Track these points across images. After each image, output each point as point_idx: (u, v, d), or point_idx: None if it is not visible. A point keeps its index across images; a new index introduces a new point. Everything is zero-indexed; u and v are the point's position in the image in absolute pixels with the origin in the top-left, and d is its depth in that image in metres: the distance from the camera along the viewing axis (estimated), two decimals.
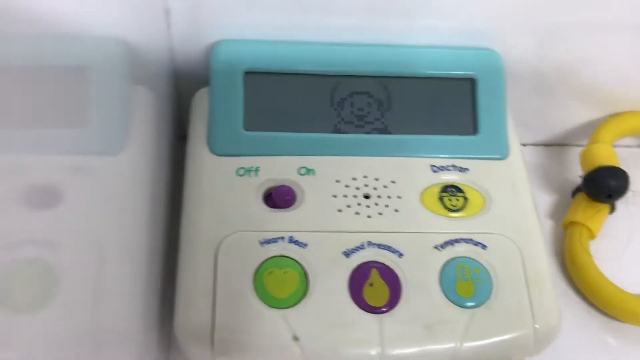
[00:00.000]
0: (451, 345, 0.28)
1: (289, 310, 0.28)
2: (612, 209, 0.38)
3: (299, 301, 0.28)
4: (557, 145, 0.43)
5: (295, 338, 0.27)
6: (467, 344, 0.28)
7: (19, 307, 0.25)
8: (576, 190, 0.39)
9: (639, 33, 0.36)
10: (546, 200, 0.40)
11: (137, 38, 0.31)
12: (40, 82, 0.29)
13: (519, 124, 0.38)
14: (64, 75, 0.30)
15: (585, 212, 0.37)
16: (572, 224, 0.37)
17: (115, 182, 0.29)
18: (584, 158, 0.38)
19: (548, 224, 0.39)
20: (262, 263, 0.28)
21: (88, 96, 0.29)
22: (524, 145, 0.42)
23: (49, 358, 0.25)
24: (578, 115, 0.41)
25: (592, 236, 0.37)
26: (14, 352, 0.25)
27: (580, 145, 0.41)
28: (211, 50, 0.33)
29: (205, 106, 0.32)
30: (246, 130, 0.32)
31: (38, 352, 0.25)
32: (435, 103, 0.34)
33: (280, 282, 0.28)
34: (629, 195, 0.37)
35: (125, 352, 0.27)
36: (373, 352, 0.27)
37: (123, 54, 0.30)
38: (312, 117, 0.32)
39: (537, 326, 0.29)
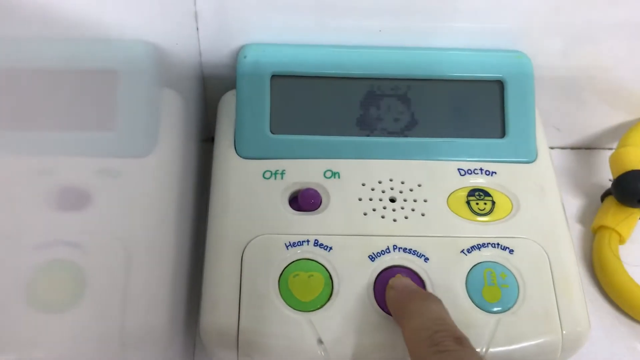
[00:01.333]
0: (477, 350, 0.27)
1: (313, 313, 0.28)
2: None
3: (323, 304, 0.28)
4: (586, 148, 0.42)
5: (320, 341, 0.27)
6: (493, 349, 0.28)
7: (47, 307, 0.26)
8: (605, 194, 0.38)
9: None
10: (575, 204, 0.40)
11: (166, 41, 0.31)
12: (71, 85, 0.30)
13: (548, 127, 0.38)
14: (94, 78, 0.30)
15: (615, 216, 0.37)
16: (602, 228, 0.37)
17: (143, 184, 0.29)
18: (614, 162, 0.38)
19: (577, 228, 0.39)
20: (288, 266, 0.29)
21: (117, 99, 0.30)
22: (552, 148, 0.42)
23: (76, 358, 0.26)
24: (607, 118, 0.40)
25: (621, 241, 0.36)
26: (42, 351, 0.25)
27: (610, 149, 0.40)
28: (238, 54, 0.33)
29: (232, 109, 0.33)
30: (272, 133, 0.32)
31: (66, 352, 0.25)
32: (463, 106, 0.33)
33: (305, 286, 0.28)
34: None
35: (151, 353, 0.27)
36: (397, 356, 0.27)
37: (152, 57, 0.31)
38: (338, 120, 0.32)
39: (564, 332, 0.28)
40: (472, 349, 0.23)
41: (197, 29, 0.33)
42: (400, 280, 0.28)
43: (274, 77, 0.32)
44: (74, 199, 0.28)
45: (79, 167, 0.29)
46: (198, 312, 0.29)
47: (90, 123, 0.30)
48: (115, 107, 0.30)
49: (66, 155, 0.29)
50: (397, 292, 0.27)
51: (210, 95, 0.36)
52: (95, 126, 0.30)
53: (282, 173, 0.31)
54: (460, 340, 0.24)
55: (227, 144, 0.32)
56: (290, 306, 0.28)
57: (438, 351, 0.23)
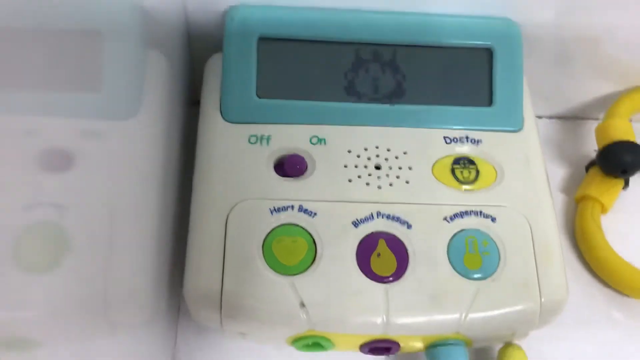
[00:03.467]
0: (456, 315, 0.28)
1: (296, 277, 0.28)
2: (626, 184, 0.38)
3: (306, 269, 0.28)
4: (573, 118, 0.42)
5: (302, 304, 0.27)
6: (472, 315, 0.28)
7: (31, 268, 0.26)
8: (590, 165, 0.38)
9: None
10: (559, 174, 0.40)
11: (151, 2, 0.31)
12: (54, 45, 0.29)
13: (535, 95, 0.38)
14: (78, 38, 0.29)
15: (599, 186, 0.37)
16: (585, 198, 0.37)
17: (128, 146, 0.29)
18: (600, 132, 0.38)
19: (560, 197, 0.39)
20: (272, 231, 0.29)
21: (101, 60, 0.29)
22: (539, 117, 0.42)
23: (60, 318, 0.26)
24: (596, 88, 0.40)
25: (604, 210, 0.37)
26: (27, 311, 0.25)
27: (597, 120, 0.40)
28: (225, 15, 0.32)
29: (219, 72, 0.32)
30: (259, 97, 0.32)
31: (50, 313, 0.26)
32: (451, 73, 0.33)
33: (289, 250, 0.28)
34: None
35: (135, 314, 0.27)
36: (378, 320, 0.28)
37: (137, 17, 0.30)
38: (326, 85, 0.32)
39: (543, 300, 0.29)
40: None
41: None
42: None
43: (261, 39, 0.32)
44: (58, 160, 0.28)
45: (62, 129, 0.29)
46: (182, 275, 0.29)
47: (74, 84, 0.29)
48: (100, 68, 0.29)
49: (49, 116, 0.29)
50: None
51: (197, 57, 0.36)
52: (79, 87, 0.29)
53: (268, 138, 0.31)
54: None
55: (212, 107, 0.32)
56: (273, 270, 0.28)
57: None
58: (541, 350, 0.33)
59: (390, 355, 0.32)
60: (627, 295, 0.35)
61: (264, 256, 0.28)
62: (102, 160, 0.28)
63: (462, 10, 0.34)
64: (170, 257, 0.31)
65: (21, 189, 0.27)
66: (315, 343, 0.29)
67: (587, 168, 0.39)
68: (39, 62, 0.29)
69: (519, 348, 0.31)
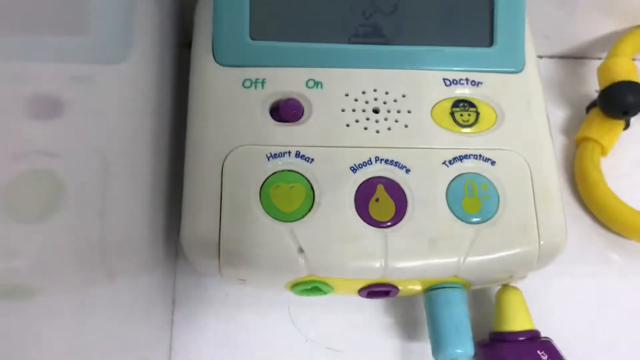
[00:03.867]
0: (455, 259, 0.28)
1: (294, 223, 0.28)
2: (627, 125, 0.37)
3: (304, 215, 0.28)
4: (575, 58, 0.41)
5: (301, 250, 0.27)
6: (471, 259, 0.28)
7: (25, 218, 0.26)
8: (591, 106, 0.38)
9: None
10: (560, 115, 0.39)
11: None
12: None
13: (537, 35, 0.37)
14: None
15: (599, 128, 0.36)
16: (585, 139, 0.37)
17: (119, 91, 0.28)
18: (602, 72, 0.37)
19: (560, 139, 0.39)
20: (269, 177, 0.28)
21: (89, 2, 0.28)
22: (540, 57, 0.41)
23: (56, 267, 0.26)
24: (598, 26, 0.39)
25: (604, 152, 0.37)
26: (22, 261, 0.25)
27: (599, 59, 0.40)
28: None
29: (210, 13, 0.31)
30: (252, 39, 0.31)
31: (46, 261, 0.25)
32: (451, 13, 0.32)
33: (287, 196, 0.28)
34: None
35: (132, 261, 0.27)
36: (377, 264, 0.28)
37: None
38: (322, 26, 0.31)
39: (542, 242, 0.29)
40: None
41: None
42: None
43: None
44: (47, 107, 0.27)
45: (50, 74, 0.28)
46: (179, 221, 0.29)
47: (61, 27, 0.28)
48: (87, 10, 0.28)
49: (36, 61, 0.28)
50: None
51: None
52: (67, 31, 0.28)
53: (263, 82, 0.30)
54: None
55: (204, 50, 0.31)
56: (271, 216, 0.28)
57: None
58: (538, 291, 0.33)
59: (388, 298, 0.32)
60: (625, 237, 0.35)
61: (261, 203, 0.28)
62: (92, 106, 0.28)
63: None
64: (167, 203, 0.30)
65: (9, 138, 0.26)
66: (314, 287, 0.29)
67: (588, 109, 0.38)
68: (22, 5, 0.28)
69: (517, 289, 0.31)
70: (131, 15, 0.29)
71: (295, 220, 0.28)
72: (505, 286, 0.31)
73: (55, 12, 0.28)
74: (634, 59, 0.37)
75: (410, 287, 0.30)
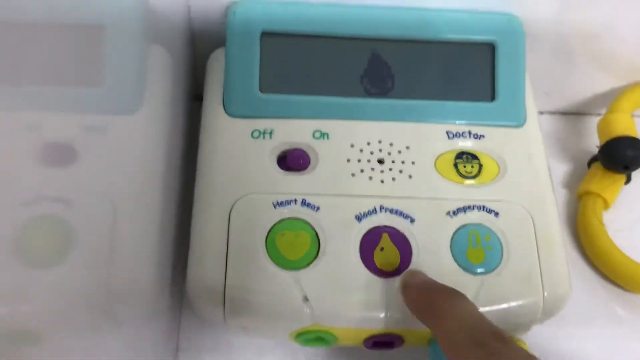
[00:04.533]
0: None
1: (300, 271, 0.28)
2: (628, 180, 0.38)
3: (310, 263, 0.28)
4: (575, 114, 0.42)
5: (306, 299, 0.27)
6: None
7: (35, 262, 0.26)
8: (592, 160, 0.39)
9: None
10: (562, 169, 0.40)
11: None
12: (58, 39, 0.29)
13: (537, 91, 0.38)
14: (81, 32, 0.29)
15: (601, 182, 0.37)
16: (587, 193, 0.37)
17: (131, 141, 0.29)
18: (602, 127, 0.38)
19: (563, 193, 0.39)
20: (275, 225, 0.29)
21: (105, 54, 0.29)
22: (541, 113, 0.42)
23: (63, 312, 0.26)
24: (597, 83, 0.40)
25: (606, 206, 0.37)
26: (31, 305, 0.25)
27: (599, 115, 0.41)
28: (228, 10, 0.32)
29: (222, 67, 0.32)
30: (262, 92, 0.32)
31: (54, 306, 0.26)
32: (454, 68, 0.33)
33: (292, 244, 0.28)
34: None
35: (137, 307, 0.27)
36: (382, 315, 0.28)
37: (140, 12, 0.30)
38: (328, 80, 0.32)
39: (546, 294, 0.29)
40: (516, 346, 0.23)
41: None
42: (416, 277, 0.27)
43: (263, 34, 0.32)
44: (61, 155, 0.28)
45: (66, 123, 0.29)
46: (186, 269, 0.29)
47: (78, 78, 0.29)
48: (103, 62, 0.29)
49: (53, 111, 0.29)
50: (417, 291, 0.27)
51: (200, 52, 0.36)
52: (83, 82, 0.29)
53: (271, 132, 0.31)
54: (501, 337, 0.23)
55: (215, 102, 0.32)
56: (277, 264, 0.28)
57: (488, 353, 0.22)
58: (544, 344, 0.33)
59: (394, 349, 0.32)
60: (630, 291, 0.35)
61: (267, 250, 0.28)
62: (105, 155, 0.28)
63: (465, 5, 0.34)
64: (174, 251, 0.31)
65: (25, 184, 0.27)
66: (318, 337, 0.29)
67: (589, 163, 0.39)
68: (42, 57, 0.29)
69: (522, 342, 0.31)
70: (145, 67, 0.30)
71: (300, 269, 0.28)
72: (511, 339, 0.31)
73: (72, 64, 0.30)
74: (632, 115, 0.38)
75: (415, 337, 0.30)
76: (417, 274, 0.27)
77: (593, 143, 0.39)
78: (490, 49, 0.33)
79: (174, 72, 0.32)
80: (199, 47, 0.36)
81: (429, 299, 0.26)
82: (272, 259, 0.28)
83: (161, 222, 0.29)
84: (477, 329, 0.23)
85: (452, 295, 0.26)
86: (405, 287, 0.27)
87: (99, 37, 0.29)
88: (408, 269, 0.28)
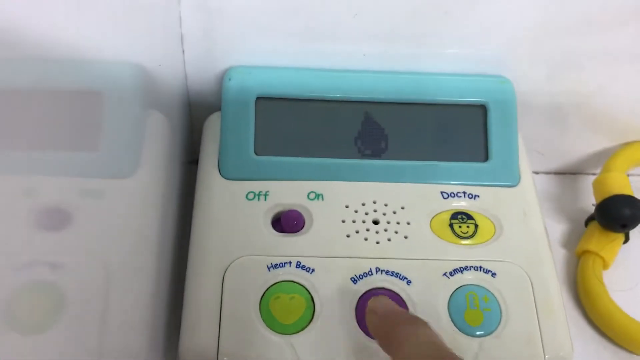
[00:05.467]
0: None
1: (294, 336, 0.27)
2: (627, 239, 0.37)
3: (305, 327, 0.28)
4: (570, 173, 0.42)
5: None
6: None
7: (26, 328, 0.26)
8: (589, 219, 0.38)
9: None
10: (559, 229, 0.40)
11: (151, 63, 0.31)
12: (55, 105, 0.30)
13: (532, 151, 0.38)
14: (78, 98, 0.30)
15: (599, 241, 0.37)
16: (586, 253, 0.37)
17: (126, 205, 0.29)
18: (597, 187, 0.38)
19: (561, 253, 0.39)
20: (269, 288, 0.28)
21: (101, 120, 0.30)
22: (536, 173, 0.42)
23: None
24: (591, 143, 0.41)
25: (605, 266, 0.37)
26: None
27: (594, 174, 0.41)
28: (223, 76, 0.33)
29: (217, 131, 0.33)
30: (257, 155, 0.32)
31: None
32: (447, 129, 0.34)
33: (287, 308, 0.28)
34: None
35: None
36: None
37: (137, 78, 0.31)
38: (322, 142, 0.33)
39: (547, 356, 0.28)
40: None
41: (183, 51, 0.33)
42: (380, 302, 0.27)
43: (258, 99, 0.33)
44: (55, 219, 0.28)
45: (60, 187, 0.29)
46: (179, 335, 0.28)
47: (74, 143, 0.30)
48: (100, 128, 0.30)
49: (49, 175, 0.29)
50: (379, 316, 0.26)
51: (197, 117, 0.36)
52: (79, 146, 0.30)
53: (266, 194, 0.31)
54: None
55: (211, 165, 0.32)
56: (271, 329, 0.28)
57: None
58: None
59: None
60: (634, 353, 0.34)
61: (261, 315, 0.28)
62: (99, 219, 0.28)
63: (457, 69, 0.35)
64: (167, 316, 0.30)
65: (17, 248, 0.27)
66: None
67: (587, 223, 0.39)
68: (38, 122, 0.29)
69: None
70: (141, 132, 0.31)
71: (295, 333, 0.27)
72: None
73: (69, 128, 0.30)
74: (627, 174, 0.38)
75: None
76: (383, 300, 0.27)
77: (589, 202, 0.39)
78: (482, 110, 0.34)
79: (170, 137, 0.33)
80: (196, 112, 0.37)
81: (390, 325, 0.25)
82: (266, 323, 0.28)
83: (154, 287, 0.28)
84: (436, 356, 0.23)
85: (413, 322, 0.25)
86: (369, 312, 0.27)
87: (96, 103, 0.30)
88: (376, 296, 0.28)
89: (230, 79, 0.33)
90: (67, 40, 0.29)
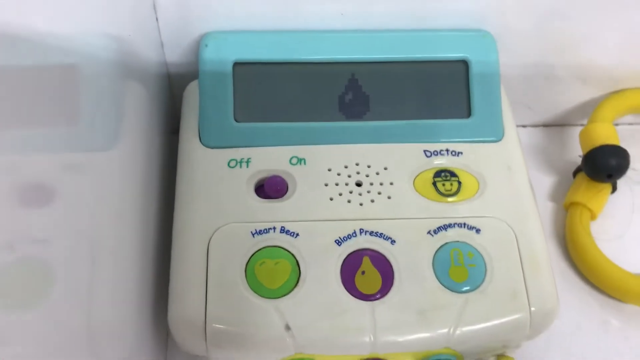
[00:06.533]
0: (445, 330, 0.28)
1: (280, 300, 0.28)
2: (614, 189, 0.37)
3: (290, 291, 0.28)
4: (557, 125, 0.42)
5: (288, 327, 0.27)
6: (461, 329, 0.28)
7: (13, 305, 0.26)
8: (577, 171, 0.38)
9: (638, 10, 0.35)
10: (547, 181, 0.40)
11: (125, 33, 0.31)
12: (30, 81, 0.29)
13: (518, 105, 0.38)
14: (53, 73, 0.30)
15: (586, 192, 0.37)
16: (573, 204, 0.37)
17: (108, 178, 0.29)
18: (584, 137, 0.37)
19: (549, 205, 0.39)
20: (254, 254, 0.29)
21: (79, 93, 0.29)
22: (523, 126, 0.42)
23: (44, 355, 0.26)
24: (578, 94, 0.40)
25: (593, 216, 0.37)
26: (9, 348, 0.25)
27: (582, 125, 0.40)
28: (200, 43, 0.33)
29: (196, 99, 0.32)
30: (237, 121, 0.32)
31: (35, 349, 0.25)
32: (428, 87, 0.33)
33: (272, 273, 0.28)
34: (630, 174, 0.37)
35: (120, 346, 0.27)
36: (366, 339, 0.27)
37: (112, 50, 0.30)
38: (302, 105, 0.32)
39: (533, 309, 0.28)
40: None
41: (157, 19, 0.33)
42: None
43: (236, 64, 0.32)
44: (38, 195, 0.28)
45: (41, 163, 0.29)
46: (167, 304, 0.29)
47: (52, 118, 0.29)
48: (77, 101, 0.29)
49: (28, 152, 0.29)
50: None
51: (177, 86, 0.36)
52: (57, 121, 0.29)
53: (248, 161, 0.31)
54: None
55: (191, 134, 0.32)
56: (257, 294, 0.28)
57: None
58: (536, 357, 0.32)
59: None
60: (621, 300, 0.35)
61: (247, 280, 0.28)
62: (82, 193, 0.28)
63: (438, 25, 0.34)
64: (155, 286, 0.30)
65: (2, 226, 0.27)
66: None
67: (574, 174, 0.38)
68: (15, 98, 0.29)
69: (510, 358, 0.30)
70: (121, 104, 0.30)
71: (281, 297, 0.28)
72: (500, 357, 0.30)
73: (47, 104, 0.30)
74: (614, 124, 0.38)
75: None
76: None
77: (577, 153, 0.39)
78: (463, 65, 0.33)
79: (150, 108, 0.32)
80: (176, 81, 0.36)
81: None
82: (252, 289, 0.28)
83: (141, 257, 0.29)
84: None
85: None
86: None
87: (72, 76, 0.29)
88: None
89: (206, 45, 0.32)
90: (39, 15, 0.29)
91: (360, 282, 0.28)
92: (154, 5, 0.32)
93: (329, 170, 0.31)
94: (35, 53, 0.30)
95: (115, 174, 0.29)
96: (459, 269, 0.29)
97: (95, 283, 0.27)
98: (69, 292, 0.26)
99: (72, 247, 0.27)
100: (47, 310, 0.26)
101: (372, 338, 0.27)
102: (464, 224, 0.30)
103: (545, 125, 0.42)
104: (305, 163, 0.31)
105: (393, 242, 0.29)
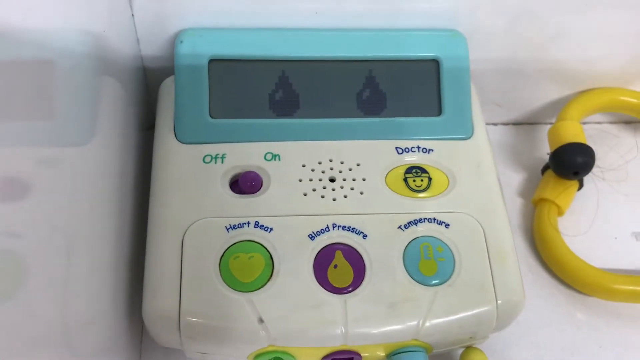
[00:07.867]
0: (414, 322, 0.28)
1: (254, 293, 0.28)
2: (581, 186, 0.38)
3: (264, 284, 0.28)
4: (527, 124, 0.43)
5: (261, 320, 0.28)
6: (430, 321, 0.28)
7: None
8: (545, 168, 0.39)
9: (606, 10, 0.36)
10: (517, 178, 0.41)
11: (100, 29, 0.31)
12: (5, 75, 0.29)
13: (488, 103, 0.39)
14: (30, 68, 0.30)
15: (554, 189, 0.38)
16: (541, 201, 0.38)
17: (83, 173, 0.29)
18: (552, 135, 0.39)
19: (518, 201, 0.40)
20: (228, 248, 0.29)
21: (54, 88, 0.30)
22: (494, 124, 0.43)
23: (20, 347, 0.26)
24: (547, 93, 0.41)
25: (560, 212, 0.38)
26: None
27: (551, 123, 0.41)
28: (175, 39, 0.33)
29: (172, 95, 0.33)
30: (212, 117, 0.32)
31: (9, 342, 0.25)
32: (400, 85, 0.34)
33: (246, 267, 0.29)
34: (595, 171, 0.38)
35: (95, 340, 0.27)
36: (337, 331, 0.28)
37: (88, 45, 0.31)
38: (277, 102, 0.33)
39: (499, 302, 0.29)
40: None
41: (133, 15, 0.33)
42: None
43: (211, 61, 0.32)
44: (11, 189, 0.28)
45: (15, 157, 0.29)
46: (142, 298, 0.29)
47: (27, 112, 0.29)
48: (52, 96, 0.29)
49: (2, 146, 0.29)
50: None
51: (152, 82, 0.36)
52: (32, 115, 0.29)
53: (223, 157, 0.31)
54: None
55: (166, 129, 0.32)
56: (231, 287, 0.28)
57: None
58: (504, 352, 0.33)
59: None
60: (587, 295, 0.36)
61: (220, 274, 0.28)
62: (56, 187, 0.29)
63: (411, 24, 0.35)
64: (130, 280, 0.31)
65: None
66: (276, 358, 0.29)
67: (543, 171, 0.39)
68: None
69: (480, 351, 0.31)
70: (96, 99, 0.31)
71: (254, 290, 0.28)
72: (468, 348, 0.31)
73: (21, 98, 0.30)
74: (581, 122, 0.39)
75: (372, 353, 0.30)
76: None
77: (546, 151, 0.40)
78: (434, 64, 0.34)
79: (125, 103, 0.33)
80: (152, 78, 0.36)
81: None
82: (225, 282, 0.28)
83: (116, 251, 0.29)
84: None
85: None
86: None
87: (47, 71, 0.30)
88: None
89: (181, 42, 0.33)
90: (14, 10, 0.29)
91: (332, 275, 0.29)
92: (130, 1, 0.32)
93: (303, 166, 0.31)
94: (9, 48, 0.30)
95: (91, 168, 0.30)
96: (428, 262, 0.29)
97: (70, 277, 0.27)
98: (43, 286, 0.27)
99: (47, 241, 0.27)
100: (21, 303, 0.26)
101: (343, 330, 0.28)
102: (434, 219, 0.31)
103: (516, 123, 0.43)
104: (279, 159, 0.31)
105: (365, 236, 0.30)
